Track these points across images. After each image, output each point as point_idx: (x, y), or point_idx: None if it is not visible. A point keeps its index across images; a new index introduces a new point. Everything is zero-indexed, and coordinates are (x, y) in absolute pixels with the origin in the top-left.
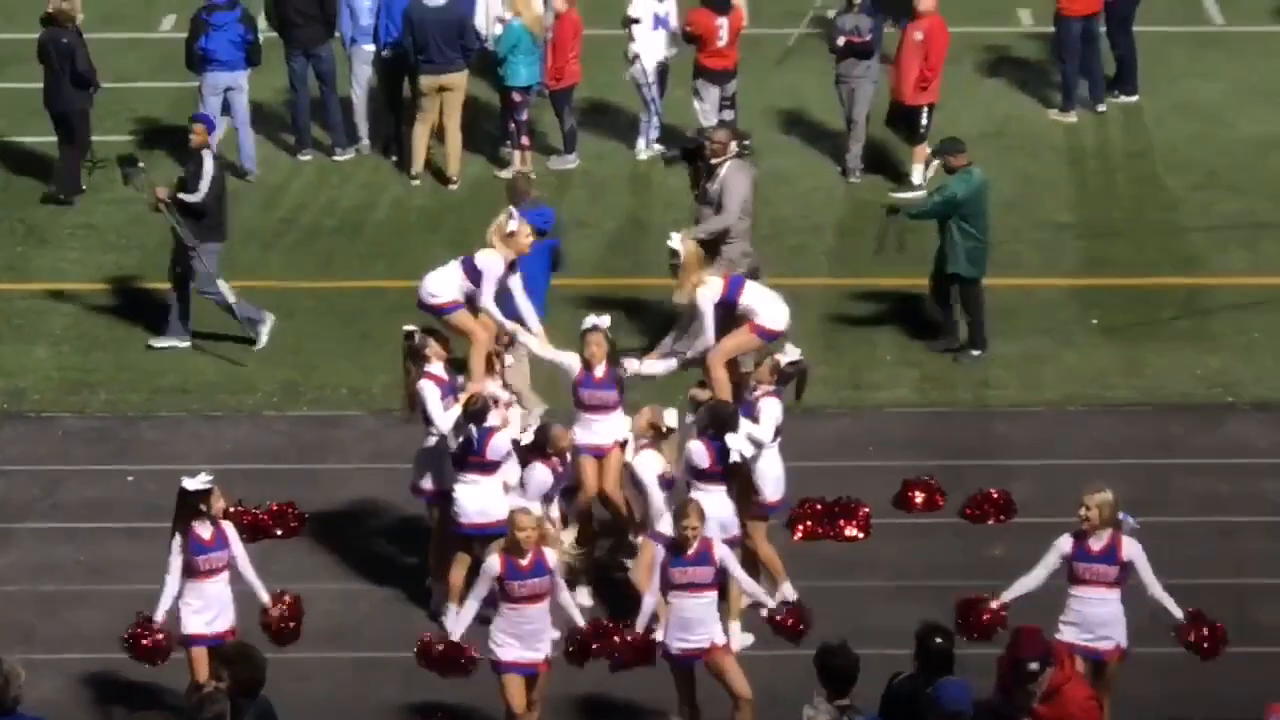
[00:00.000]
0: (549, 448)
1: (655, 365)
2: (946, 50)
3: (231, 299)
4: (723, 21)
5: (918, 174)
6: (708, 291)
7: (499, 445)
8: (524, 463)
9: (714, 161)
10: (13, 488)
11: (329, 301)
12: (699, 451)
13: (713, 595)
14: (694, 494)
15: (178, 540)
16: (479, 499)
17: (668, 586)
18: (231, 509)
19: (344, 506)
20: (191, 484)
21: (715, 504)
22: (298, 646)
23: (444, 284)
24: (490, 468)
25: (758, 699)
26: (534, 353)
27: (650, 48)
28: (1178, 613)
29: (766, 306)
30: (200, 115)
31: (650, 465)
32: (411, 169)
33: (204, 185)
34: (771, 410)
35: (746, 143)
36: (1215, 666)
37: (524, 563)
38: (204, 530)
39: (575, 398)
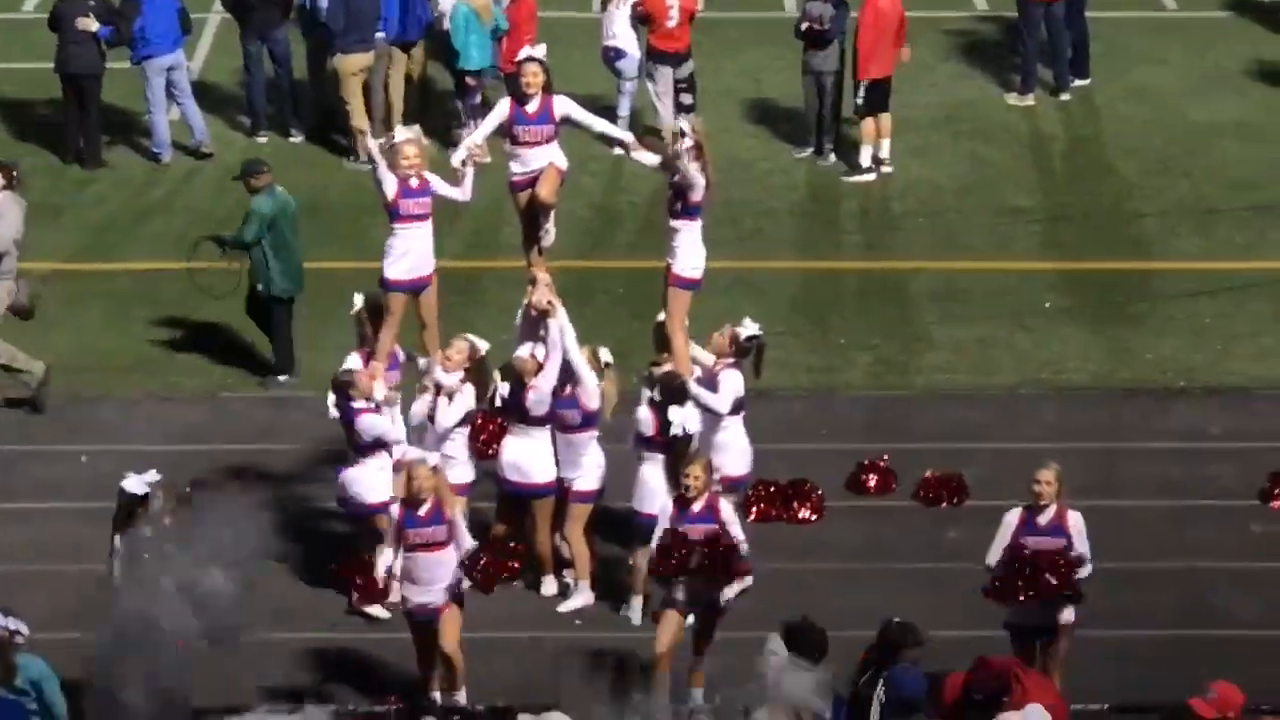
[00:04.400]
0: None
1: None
2: (882, 30)
3: None
4: (673, 1)
5: (864, 156)
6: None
7: (365, 425)
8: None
9: None
10: None
11: None
12: (646, 420)
13: None
14: (642, 463)
15: (119, 542)
16: (367, 479)
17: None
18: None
19: (295, 487)
20: (132, 485)
21: (660, 473)
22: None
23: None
24: (367, 449)
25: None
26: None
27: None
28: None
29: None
30: None
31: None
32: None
33: None
34: (732, 382)
35: (14, 174)
36: (1170, 650)
37: (421, 512)
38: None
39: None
